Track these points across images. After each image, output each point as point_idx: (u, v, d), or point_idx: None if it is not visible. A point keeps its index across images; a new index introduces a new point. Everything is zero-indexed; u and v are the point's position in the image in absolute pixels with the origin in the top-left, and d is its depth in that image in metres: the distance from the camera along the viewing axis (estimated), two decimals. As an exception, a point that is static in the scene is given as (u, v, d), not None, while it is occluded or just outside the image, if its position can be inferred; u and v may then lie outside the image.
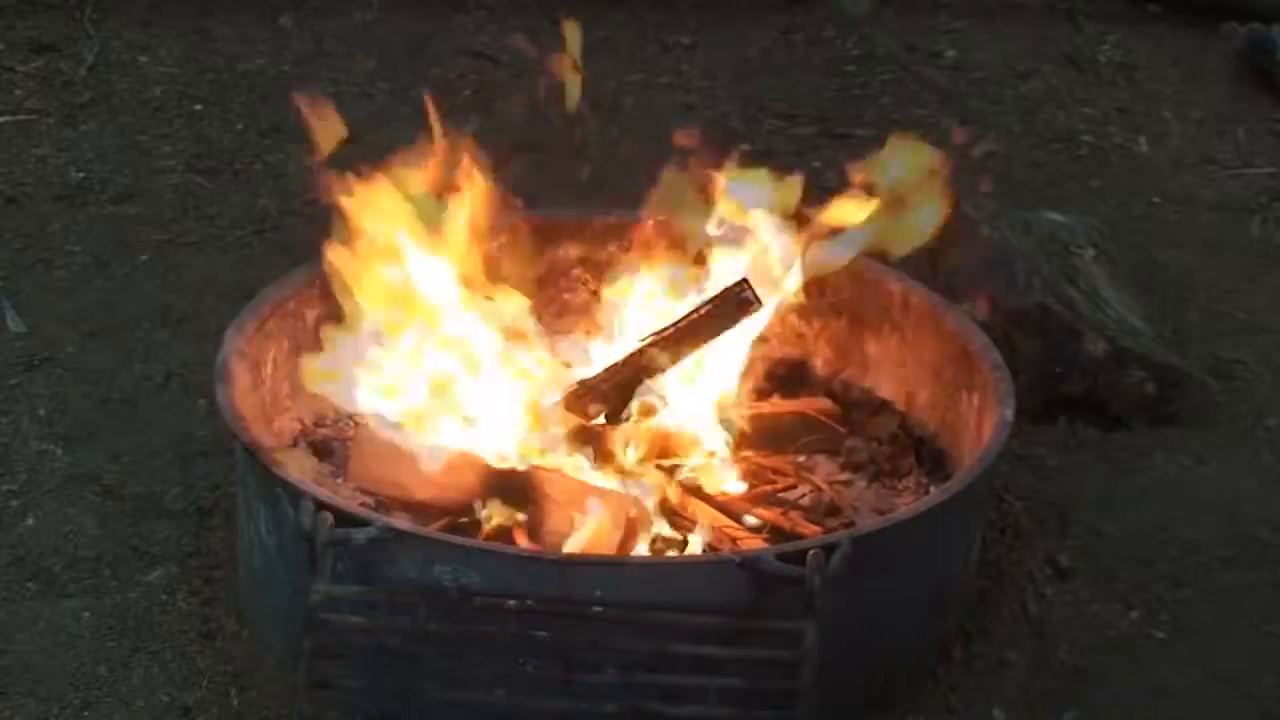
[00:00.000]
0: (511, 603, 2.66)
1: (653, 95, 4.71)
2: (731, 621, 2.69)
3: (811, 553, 2.67)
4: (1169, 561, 3.27)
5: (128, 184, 4.25)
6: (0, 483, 3.32)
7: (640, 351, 3.11)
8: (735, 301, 3.13)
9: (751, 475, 3.19)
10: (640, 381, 3.12)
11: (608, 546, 2.87)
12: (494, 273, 3.21)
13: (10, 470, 3.35)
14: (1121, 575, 3.24)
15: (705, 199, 3.25)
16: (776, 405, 3.37)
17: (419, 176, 3.15)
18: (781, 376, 3.51)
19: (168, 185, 4.26)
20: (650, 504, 3.00)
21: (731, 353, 3.20)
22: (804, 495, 3.18)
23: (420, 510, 3.01)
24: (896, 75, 4.87)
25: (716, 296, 3.15)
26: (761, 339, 3.52)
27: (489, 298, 3.16)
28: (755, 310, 3.16)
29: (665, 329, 3.13)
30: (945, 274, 3.84)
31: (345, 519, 2.71)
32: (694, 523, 3.02)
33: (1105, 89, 4.86)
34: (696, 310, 3.15)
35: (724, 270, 3.20)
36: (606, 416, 3.10)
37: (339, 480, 3.17)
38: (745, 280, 3.15)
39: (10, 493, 3.30)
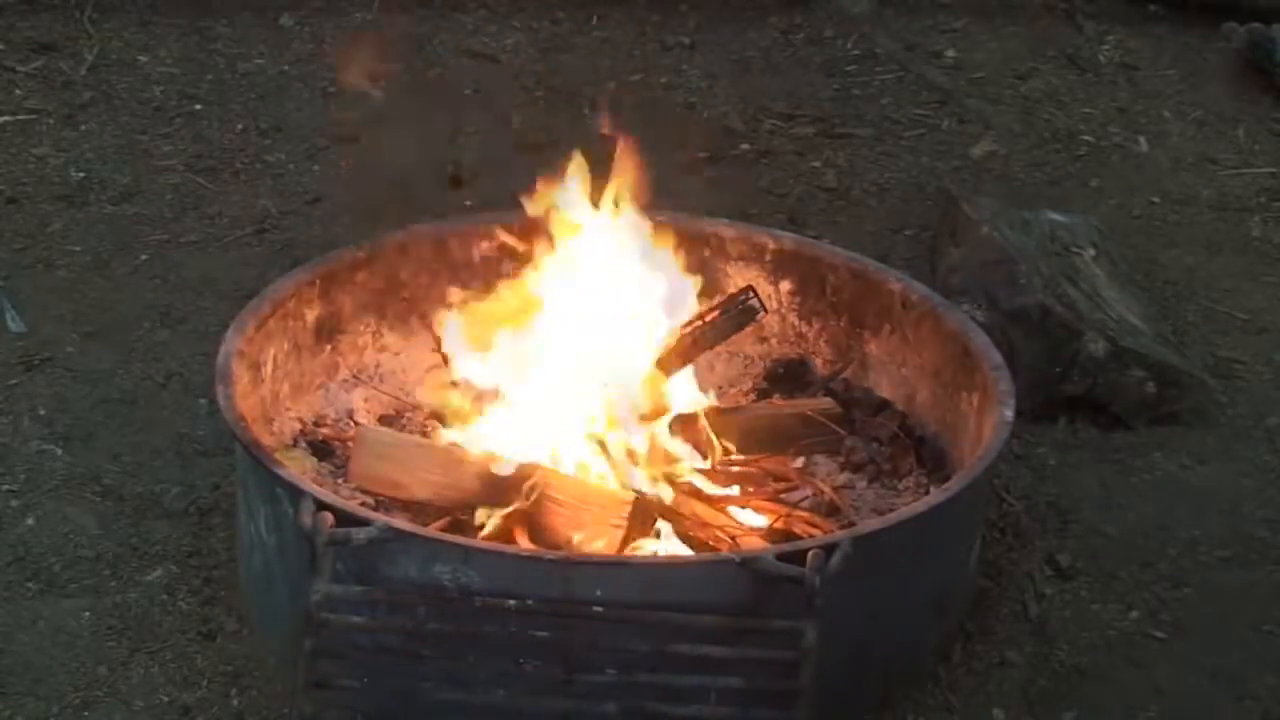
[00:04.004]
0: (511, 603, 2.66)
1: (653, 95, 4.71)
2: (731, 621, 2.69)
3: (811, 553, 2.67)
4: (1169, 561, 3.27)
5: (128, 184, 4.25)
6: (0, 483, 3.32)
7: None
8: (740, 309, 3.14)
9: (752, 476, 3.19)
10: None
11: (608, 546, 2.87)
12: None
13: (10, 470, 3.35)
14: (1121, 575, 3.24)
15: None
16: (777, 405, 3.37)
17: None
18: (781, 376, 3.52)
19: (168, 185, 4.26)
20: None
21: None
22: (805, 496, 3.18)
23: (420, 510, 3.01)
24: (896, 75, 4.87)
25: (722, 304, 3.17)
26: (761, 339, 3.54)
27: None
28: (760, 318, 3.18)
29: (673, 337, 3.15)
30: (945, 274, 3.84)
31: (345, 519, 2.71)
32: (695, 523, 3.02)
33: (1105, 89, 4.87)
34: (701, 317, 3.17)
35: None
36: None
37: (339, 480, 3.17)
38: (751, 288, 3.16)
39: (10, 493, 3.30)
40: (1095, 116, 4.73)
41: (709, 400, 3.26)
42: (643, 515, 2.93)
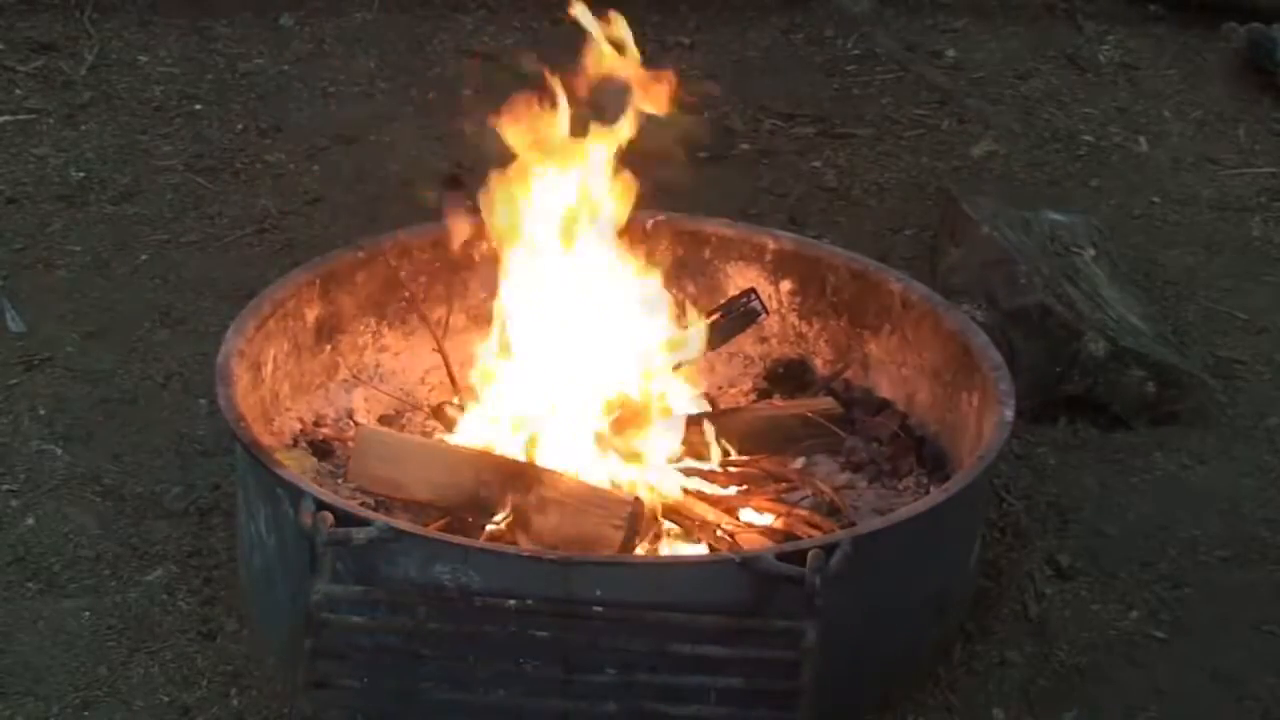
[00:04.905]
0: (511, 603, 2.66)
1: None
2: (731, 621, 2.69)
3: (811, 553, 2.67)
4: (1169, 561, 3.27)
5: (128, 184, 4.25)
6: (0, 483, 3.32)
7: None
8: (742, 311, 3.15)
9: (752, 476, 3.19)
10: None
11: (608, 546, 2.87)
12: None
13: (10, 470, 3.35)
14: (1121, 575, 3.24)
15: None
16: (777, 405, 3.37)
17: None
18: (782, 376, 3.52)
19: (168, 185, 4.26)
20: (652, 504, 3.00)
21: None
22: (805, 496, 3.18)
23: (420, 510, 3.01)
24: (896, 75, 4.87)
25: (724, 305, 3.17)
26: (761, 339, 3.54)
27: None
28: (762, 319, 3.18)
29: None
30: (945, 274, 3.84)
31: (345, 519, 2.71)
32: (696, 522, 3.02)
33: (1105, 89, 4.87)
34: (705, 318, 3.17)
35: None
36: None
37: (339, 480, 3.17)
38: (753, 290, 3.16)
39: (10, 493, 3.30)
40: (1095, 116, 4.73)
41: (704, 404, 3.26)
42: (643, 515, 2.93)
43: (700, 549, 2.98)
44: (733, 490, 3.15)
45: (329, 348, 3.38)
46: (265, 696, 2.92)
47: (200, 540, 3.22)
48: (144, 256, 4.01)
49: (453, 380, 3.32)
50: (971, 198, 4.06)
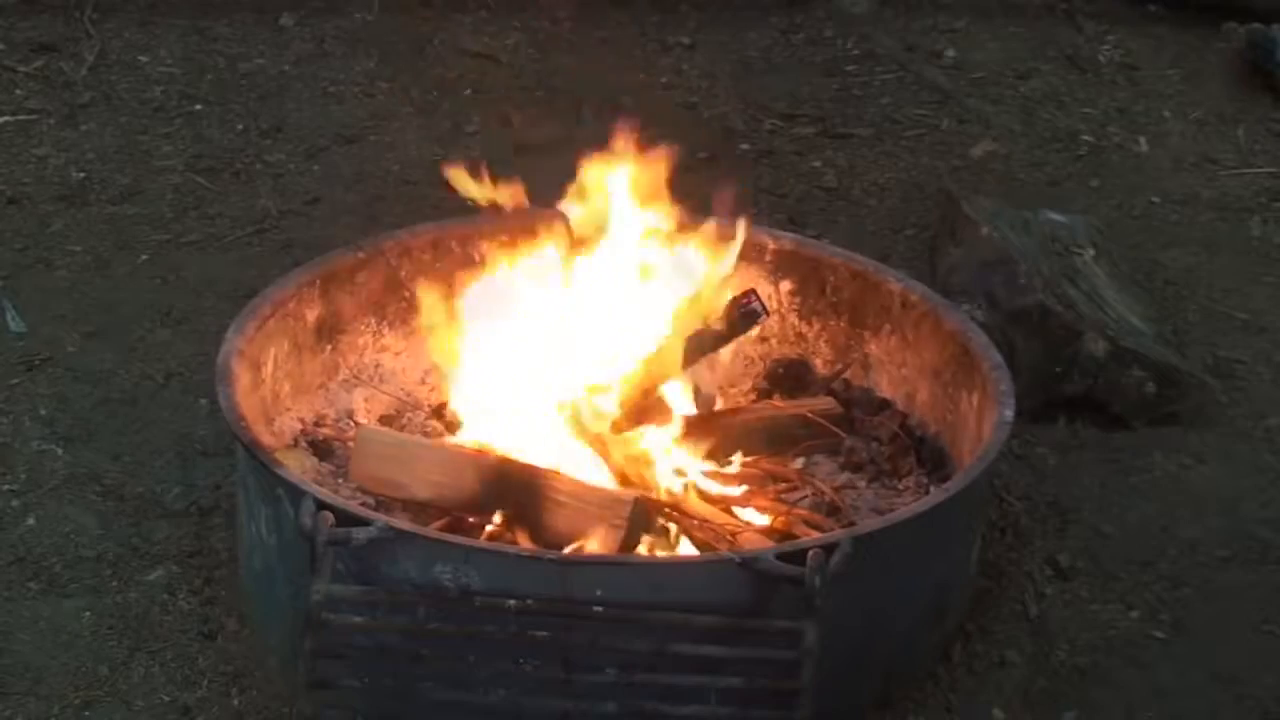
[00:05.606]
0: (511, 603, 2.66)
1: (653, 95, 4.71)
2: (731, 621, 2.69)
3: (811, 553, 2.67)
4: (1169, 561, 3.27)
5: (128, 184, 4.25)
6: (1, 483, 3.33)
7: (650, 360, 3.12)
8: (742, 313, 3.15)
9: (752, 477, 3.19)
10: (652, 390, 3.13)
11: (608, 546, 2.87)
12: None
13: (11, 470, 3.35)
14: (1121, 575, 3.24)
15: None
16: (777, 406, 3.37)
17: None
18: (782, 377, 3.52)
19: (168, 185, 4.26)
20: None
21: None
22: (804, 496, 3.18)
23: (420, 510, 3.01)
24: (896, 75, 4.87)
25: (724, 307, 3.17)
26: (761, 339, 3.54)
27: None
28: (762, 320, 3.18)
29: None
30: (945, 274, 3.84)
31: (345, 519, 2.71)
32: (696, 522, 3.02)
33: (1105, 89, 4.87)
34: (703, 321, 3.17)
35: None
36: (616, 425, 3.10)
37: (339, 480, 3.17)
38: (753, 290, 3.16)
39: (11, 493, 3.30)
40: (1095, 116, 4.73)
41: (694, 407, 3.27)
42: (643, 515, 2.93)
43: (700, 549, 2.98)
44: (733, 490, 3.15)
45: (329, 348, 3.38)
46: (266, 696, 2.92)
47: (200, 540, 3.22)
48: (144, 256, 4.01)
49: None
50: (971, 198, 4.06)
